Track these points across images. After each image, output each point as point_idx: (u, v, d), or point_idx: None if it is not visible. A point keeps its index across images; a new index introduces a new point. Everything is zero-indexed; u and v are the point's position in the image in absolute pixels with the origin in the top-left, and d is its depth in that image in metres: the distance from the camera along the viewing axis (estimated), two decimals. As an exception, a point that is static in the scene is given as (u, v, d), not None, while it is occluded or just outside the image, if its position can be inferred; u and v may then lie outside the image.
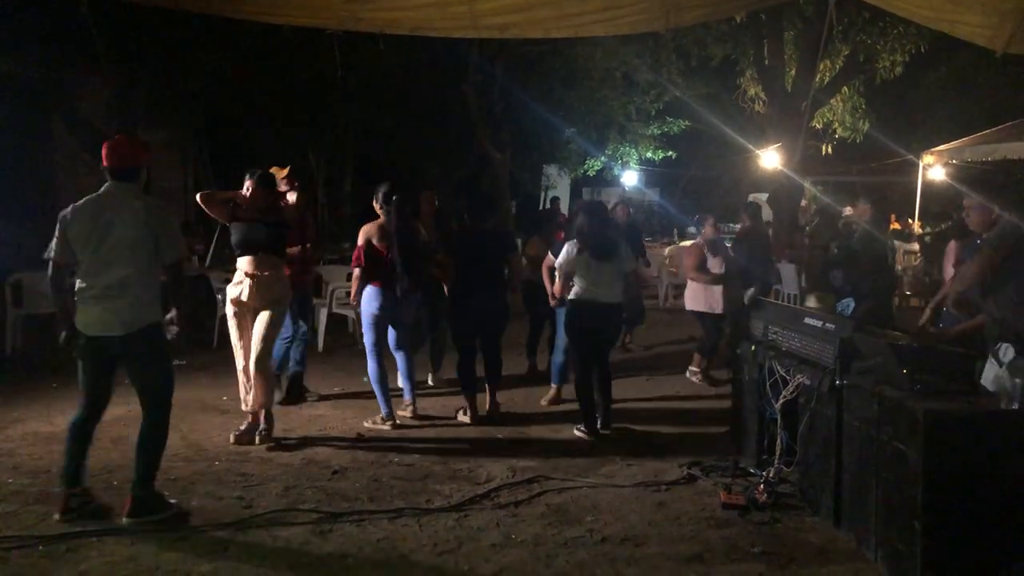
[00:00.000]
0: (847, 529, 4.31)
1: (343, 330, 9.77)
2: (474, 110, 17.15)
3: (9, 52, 12.30)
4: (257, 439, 5.79)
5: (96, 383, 4.51)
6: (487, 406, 6.64)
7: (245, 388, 5.92)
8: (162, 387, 4.57)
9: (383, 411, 6.27)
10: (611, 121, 19.93)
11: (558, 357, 7.13)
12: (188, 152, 16.68)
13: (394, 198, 6.20)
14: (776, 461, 4.87)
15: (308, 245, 6.68)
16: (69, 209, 4.41)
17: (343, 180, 19.96)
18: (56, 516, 4.40)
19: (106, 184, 4.48)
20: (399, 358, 6.53)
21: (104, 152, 4.46)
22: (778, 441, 4.87)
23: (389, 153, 19.17)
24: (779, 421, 4.83)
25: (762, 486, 4.80)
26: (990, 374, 3.97)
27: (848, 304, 6.04)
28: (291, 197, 6.74)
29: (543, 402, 7.09)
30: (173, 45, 12.95)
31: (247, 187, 5.86)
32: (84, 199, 4.46)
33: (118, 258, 4.35)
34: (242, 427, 5.88)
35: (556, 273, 6.43)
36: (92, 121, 14.46)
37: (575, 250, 6.21)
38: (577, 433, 6.14)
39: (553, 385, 7.17)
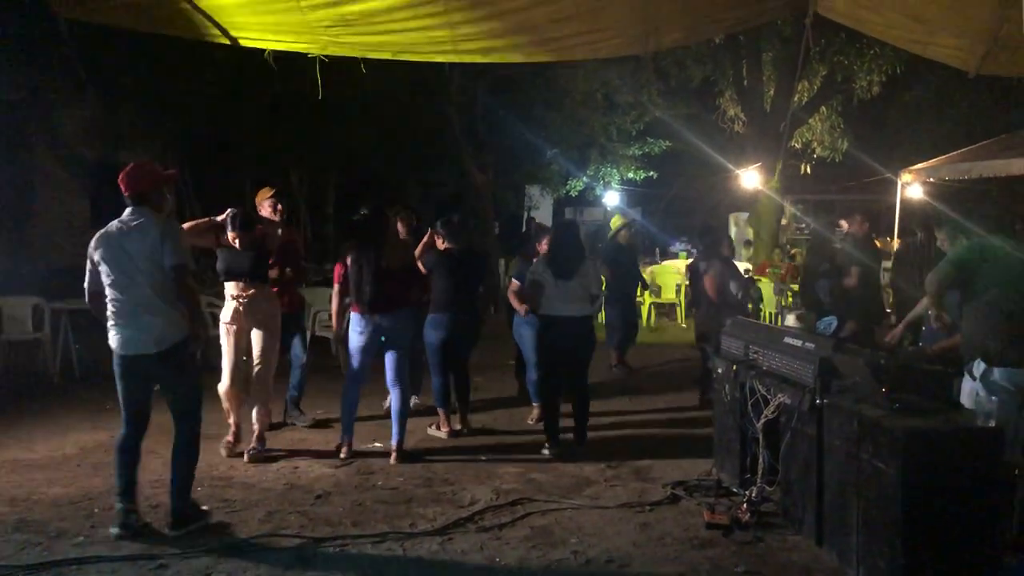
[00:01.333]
0: (829, 547, 4.33)
1: (326, 353, 9.73)
2: (456, 131, 17.19)
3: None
4: (246, 457, 5.94)
5: (134, 401, 4.68)
6: (458, 424, 6.84)
7: (229, 406, 6.10)
8: (192, 401, 4.76)
9: (342, 436, 6.14)
10: (592, 141, 19.99)
11: (531, 375, 7.20)
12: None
13: (356, 219, 6.26)
14: (758, 480, 4.90)
15: (288, 269, 6.65)
16: (94, 238, 4.61)
17: (326, 201, 19.95)
18: (113, 531, 4.53)
19: (126, 210, 4.62)
20: (393, 395, 6.20)
21: (120, 180, 4.61)
22: (760, 460, 4.89)
23: (371, 173, 19.19)
24: (761, 440, 4.86)
25: (745, 505, 4.82)
26: (966, 390, 4.02)
27: (831, 323, 6.04)
28: (265, 213, 6.66)
29: (529, 421, 7.14)
30: (155, 67, 12.96)
31: (231, 237, 5.99)
32: (107, 226, 4.63)
33: (138, 277, 4.51)
34: (231, 439, 6.13)
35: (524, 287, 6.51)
36: (74, 145, 14.41)
37: (541, 267, 6.35)
38: (544, 452, 6.19)
39: (534, 404, 7.21)
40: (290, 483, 5.51)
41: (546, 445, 6.26)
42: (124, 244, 4.51)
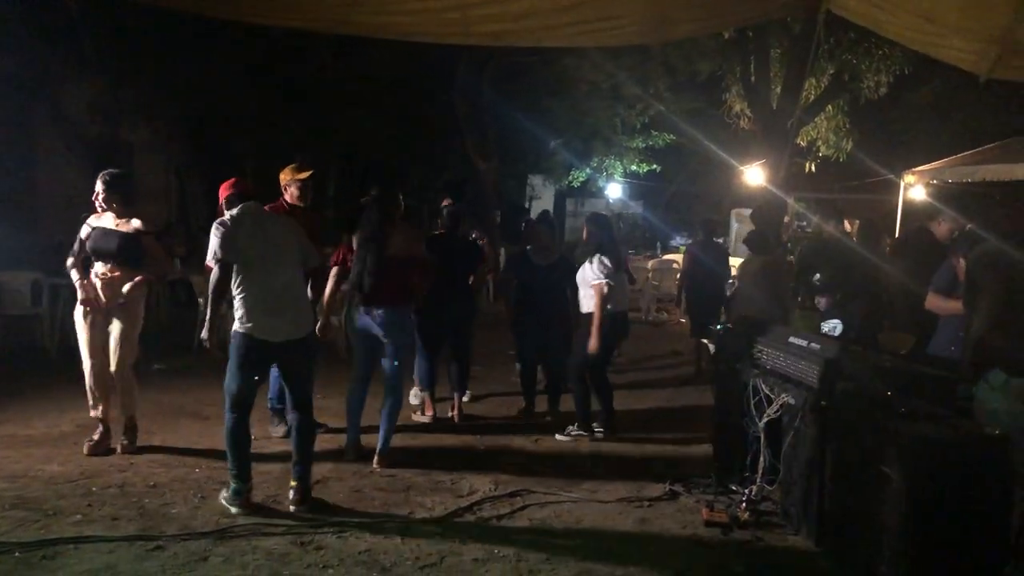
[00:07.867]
0: (829, 549, 4.32)
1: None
2: (461, 117, 17.10)
3: (-8, 46, 12.17)
4: (119, 448, 5.67)
5: (250, 386, 4.78)
6: (452, 412, 6.82)
7: (94, 393, 5.69)
8: (311, 386, 5.07)
9: (348, 439, 5.81)
10: (597, 133, 19.95)
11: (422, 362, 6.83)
12: (172, 153, 16.59)
13: (363, 201, 5.78)
14: (759, 479, 4.88)
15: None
16: (227, 216, 4.71)
17: (327, 183, 19.83)
18: (234, 509, 4.67)
19: (244, 204, 4.75)
20: (387, 400, 5.72)
21: (232, 186, 4.84)
22: (761, 459, 4.88)
23: (373, 156, 19.09)
24: (762, 439, 4.84)
25: (744, 504, 4.81)
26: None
27: (836, 325, 5.99)
28: (290, 197, 6.15)
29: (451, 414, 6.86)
30: (159, 45, 12.88)
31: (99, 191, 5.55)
32: (233, 212, 4.71)
33: (283, 263, 4.76)
34: (95, 437, 5.66)
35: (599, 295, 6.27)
36: (75, 119, 14.32)
37: (610, 265, 6.34)
38: (564, 437, 6.30)
39: (447, 395, 6.96)
40: (287, 468, 5.45)
41: (573, 430, 6.43)
42: (269, 229, 4.75)
